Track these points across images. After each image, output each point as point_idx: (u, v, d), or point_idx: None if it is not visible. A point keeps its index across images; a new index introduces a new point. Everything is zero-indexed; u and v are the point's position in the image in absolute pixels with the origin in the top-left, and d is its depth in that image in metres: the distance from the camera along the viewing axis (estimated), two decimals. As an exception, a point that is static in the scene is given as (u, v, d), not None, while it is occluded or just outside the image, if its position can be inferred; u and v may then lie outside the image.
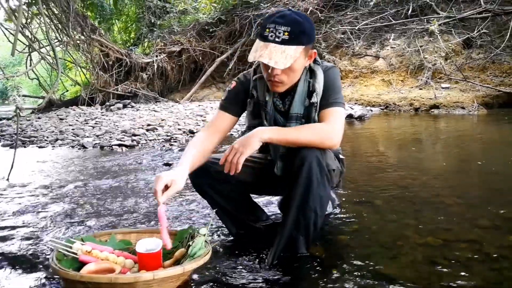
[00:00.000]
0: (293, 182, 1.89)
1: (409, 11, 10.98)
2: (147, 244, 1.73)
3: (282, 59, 1.83)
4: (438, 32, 9.63)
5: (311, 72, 2.06)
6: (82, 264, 1.68)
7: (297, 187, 1.88)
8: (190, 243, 1.79)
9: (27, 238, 2.44)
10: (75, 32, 11.05)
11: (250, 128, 2.13)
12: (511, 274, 1.77)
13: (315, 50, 2.00)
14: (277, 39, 1.85)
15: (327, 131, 1.92)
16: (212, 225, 2.43)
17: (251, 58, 1.88)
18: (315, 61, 2.07)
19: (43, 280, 1.88)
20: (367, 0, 12.33)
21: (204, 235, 1.82)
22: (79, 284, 1.52)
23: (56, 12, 10.36)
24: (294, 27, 1.85)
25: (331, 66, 2.10)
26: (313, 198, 1.88)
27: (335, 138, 1.93)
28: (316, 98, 2.01)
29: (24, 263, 2.10)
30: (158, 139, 6.31)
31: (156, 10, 14.71)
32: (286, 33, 1.85)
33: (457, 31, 10.09)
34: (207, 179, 2.15)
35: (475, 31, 9.50)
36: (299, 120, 2.05)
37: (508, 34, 8.86)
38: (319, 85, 2.02)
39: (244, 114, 2.25)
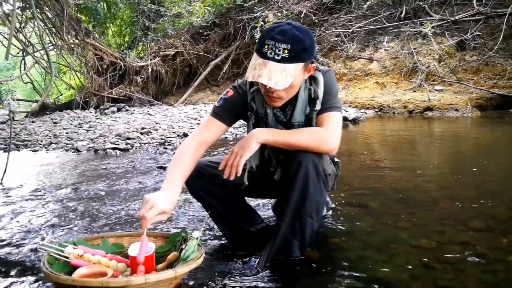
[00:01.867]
0: (289, 186, 1.88)
1: (403, 14, 11.04)
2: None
3: (282, 78, 1.77)
4: (431, 34, 9.70)
5: (311, 78, 2.01)
6: (74, 268, 1.67)
7: (293, 191, 1.87)
8: (183, 246, 1.78)
9: (20, 242, 2.42)
10: (69, 36, 11.03)
11: None
12: (505, 276, 1.77)
13: (314, 65, 1.94)
14: (276, 57, 1.78)
15: (325, 136, 1.90)
16: (205, 228, 2.43)
17: (249, 77, 1.80)
18: (315, 68, 2.01)
19: (35, 285, 1.86)
20: (360, 3, 12.37)
21: (197, 238, 1.81)
22: (70, 288, 1.50)
23: (50, 16, 10.33)
24: (294, 45, 1.78)
25: (327, 70, 2.06)
26: (309, 203, 1.88)
27: (333, 143, 1.91)
28: (318, 106, 1.97)
29: (16, 267, 2.08)
30: (153, 142, 6.30)
31: (150, 13, 14.73)
32: (286, 51, 1.77)
33: (450, 34, 10.14)
34: (202, 183, 2.14)
35: (468, 34, 9.57)
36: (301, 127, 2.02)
37: (501, 36, 8.92)
38: (321, 91, 1.98)
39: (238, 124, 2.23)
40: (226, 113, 2.10)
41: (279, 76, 1.77)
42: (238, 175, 1.82)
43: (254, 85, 2.07)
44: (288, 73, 1.78)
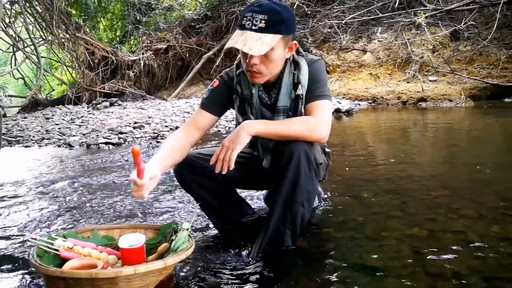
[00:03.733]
0: (281, 176, 1.87)
1: (396, 4, 11.01)
2: (130, 240, 1.71)
3: (257, 46, 1.79)
4: (425, 24, 9.68)
5: (295, 64, 2.02)
6: (64, 260, 1.66)
7: (284, 181, 1.86)
8: (173, 237, 1.78)
9: (11, 237, 2.41)
10: (59, 31, 10.95)
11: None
12: (495, 262, 1.77)
13: (295, 42, 1.96)
14: (253, 27, 1.81)
15: (315, 124, 1.88)
16: (195, 220, 2.42)
17: (227, 45, 1.84)
18: (298, 53, 2.03)
19: (27, 278, 1.85)
20: (353, -7, 12.34)
21: (187, 229, 1.80)
22: (60, 280, 1.49)
23: (40, 10, 10.25)
24: (271, 16, 1.81)
25: (316, 59, 2.06)
26: (300, 192, 1.87)
27: (323, 131, 1.89)
28: (301, 90, 1.97)
29: (7, 261, 2.07)
30: (145, 137, 6.29)
31: (141, 7, 14.63)
32: (262, 21, 1.80)
33: (444, 24, 10.14)
34: (192, 175, 2.12)
35: (462, 23, 9.54)
36: (286, 113, 2.02)
37: (495, 25, 8.91)
38: (304, 77, 1.99)
39: (230, 111, 2.22)
40: (213, 103, 2.11)
41: (254, 43, 1.79)
42: (231, 169, 1.79)
43: (239, 67, 2.07)
44: (264, 42, 1.80)
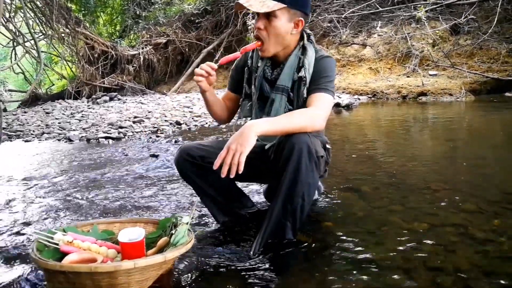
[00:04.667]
0: (282, 168, 1.87)
1: (396, -2, 10.96)
2: (130, 234, 1.70)
3: (258, 4, 1.92)
4: (425, 18, 9.63)
5: (303, 49, 2.09)
6: (64, 254, 1.65)
7: (286, 174, 1.86)
8: (173, 231, 1.77)
9: (11, 231, 2.41)
10: (59, 25, 10.92)
11: (243, 108, 2.25)
12: (496, 256, 1.77)
13: (301, 18, 2.02)
14: None
15: (312, 116, 1.91)
16: (195, 213, 2.42)
17: (236, 1, 1.98)
18: (308, 39, 2.11)
19: (27, 271, 1.85)
20: (353, -12, 12.29)
21: (187, 223, 1.79)
22: (60, 274, 1.49)
23: (40, 5, 10.22)
24: None
25: (328, 55, 2.13)
26: (301, 184, 1.86)
27: (317, 123, 1.91)
28: (304, 73, 2.03)
29: (8, 255, 2.07)
30: (145, 131, 6.28)
31: (141, 1, 14.57)
32: None
33: (444, 18, 10.09)
34: (192, 165, 2.13)
35: (463, 17, 9.51)
36: (287, 93, 2.07)
37: (496, 19, 8.88)
38: (308, 61, 2.04)
39: None
40: (232, 81, 2.34)
41: (256, 2, 1.94)
42: (240, 172, 1.71)
43: None
44: (265, 4, 1.93)
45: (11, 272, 1.87)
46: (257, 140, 2.07)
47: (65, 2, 11.71)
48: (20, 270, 1.89)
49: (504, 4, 9.33)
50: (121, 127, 6.51)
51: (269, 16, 1.97)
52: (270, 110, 2.10)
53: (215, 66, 1.98)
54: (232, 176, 1.72)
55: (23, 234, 2.35)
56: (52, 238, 1.71)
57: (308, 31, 2.15)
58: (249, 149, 1.73)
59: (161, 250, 1.74)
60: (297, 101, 2.06)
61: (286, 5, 1.95)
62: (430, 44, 10.05)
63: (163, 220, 1.91)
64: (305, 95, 2.02)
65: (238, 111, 2.32)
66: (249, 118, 2.19)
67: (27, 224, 2.53)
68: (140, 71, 13.08)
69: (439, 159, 3.74)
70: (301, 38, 2.11)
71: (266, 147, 2.08)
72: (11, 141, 6.18)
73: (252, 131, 1.76)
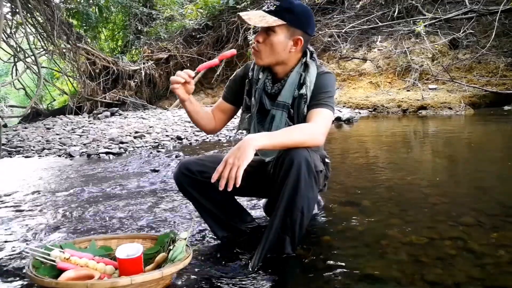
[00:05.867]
0: (281, 183, 1.87)
1: (395, 13, 11.06)
2: (128, 250, 1.70)
3: (257, 19, 1.99)
4: (424, 33, 9.72)
5: (305, 66, 2.11)
6: (61, 271, 1.65)
7: (285, 188, 1.85)
8: (171, 247, 1.77)
9: (8, 247, 2.40)
10: (60, 41, 10.99)
11: (242, 121, 2.26)
12: (494, 270, 1.76)
13: (301, 37, 2.05)
14: (265, 9, 2.03)
15: (311, 131, 1.92)
16: (194, 229, 2.42)
17: (239, 14, 2.05)
18: (311, 57, 2.13)
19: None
20: (353, 2, 12.39)
21: (185, 239, 1.79)
22: (56, 291, 1.49)
23: (41, 21, 10.30)
24: (283, 3, 2.00)
25: (328, 71, 2.15)
26: (300, 199, 1.86)
27: (317, 139, 1.92)
28: (305, 90, 2.04)
29: (4, 273, 2.05)
30: (146, 146, 6.29)
31: (143, 17, 14.68)
32: (274, 6, 2.01)
33: (443, 32, 10.17)
34: (191, 180, 2.13)
35: (461, 32, 9.58)
36: (286, 109, 2.09)
37: (494, 33, 8.94)
38: (310, 79, 2.06)
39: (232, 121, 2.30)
40: (230, 92, 2.34)
41: (255, 16, 2.01)
42: (237, 185, 1.71)
43: None
44: (264, 20, 1.99)
45: (9, 289, 1.86)
46: (256, 155, 2.08)
47: (67, 18, 11.80)
48: (17, 287, 1.88)
49: (502, 19, 9.40)
50: (122, 142, 6.52)
51: (268, 30, 2.02)
52: (270, 127, 2.11)
53: (192, 73, 2.03)
54: (229, 189, 1.72)
55: (20, 250, 2.34)
56: (48, 254, 1.71)
57: (311, 49, 2.17)
58: (247, 163, 1.73)
59: (159, 266, 1.74)
60: (297, 118, 2.07)
61: (285, 23, 2.00)
62: (430, 58, 10.11)
63: (161, 235, 1.91)
64: (305, 113, 2.03)
65: (238, 123, 2.32)
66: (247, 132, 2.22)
67: (25, 240, 2.52)
68: (141, 86, 13.12)
69: (438, 172, 3.74)
70: (304, 55, 2.13)
71: (266, 160, 2.09)
72: (11, 157, 6.18)
73: (251, 145, 1.75)
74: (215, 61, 2.15)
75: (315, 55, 2.16)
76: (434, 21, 10.25)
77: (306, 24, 2.07)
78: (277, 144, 1.85)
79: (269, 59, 2.08)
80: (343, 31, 11.50)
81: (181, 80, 2.03)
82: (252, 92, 2.20)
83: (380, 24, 11.25)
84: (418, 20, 10.35)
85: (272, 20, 1.99)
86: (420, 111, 8.45)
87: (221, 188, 1.72)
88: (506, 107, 8.11)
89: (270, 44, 2.03)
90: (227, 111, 2.34)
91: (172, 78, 2.04)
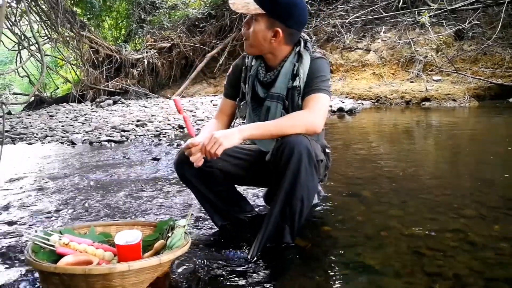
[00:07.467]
0: (282, 172, 1.86)
1: (400, 3, 10.96)
2: (127, 236, 1.70)
3: (240, 5, 1.99)
4: (429, 24, 9.64)
5: (299, 56, 2.07)
6: (60, 256, 1.65)
7: (285, 177, 1.85)
8: (170, 234, 1.77)
9: (11, 233, 2.40)
10: (64, 29, 10.97)
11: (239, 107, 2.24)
12: (495, 262, 1.76)
13: (279, 29, 1.99)
14: None
15: (308, 118, 1.91)
16: (192, 216, 2.41)
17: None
18: (305, 46, 2.08)
19: (23, 274, 1.84)
20: (357, -7, 12.30)
21: (184, 226, 1.79)
22: (54, 276, 1.48)
23: (45, 9, 10.27)
24: None
25: (319, 56, 2.10)
26: (300, 188, 1.85)
27: (316, 125, 1.90)
28: (298, 82, 2.02)
29: (4, 257, 2.06)
30: (148, 134, 6.29)
31: (146, 5, 14.61)
32: None
33: (448, 23, 10.09)
34: (191, 169, 2.12)
35: (467, 23, 9.50)
36: (282, 101, 2.06)
37: (500, 25, 8.87)
38: (303, 70, 2.03)
39: None
40: (230, 87, 2.31)
41: (240, 2, 2.00)
42: (217, 158, 1.85)
43: None
44: (246, 6, 1.98)
45: (7, 274, 1.86)
46: (254, 143, 2.09)
47: (70, 6, 11.76)
48: (17, 271, 1.88)
49: (508, 10, 9.31)
50: (124, 131, 6.52)
51: (252, 18, 2.02)
52: (267, 118, 2.08)
53: (196, 141, 1.91)
54: (199, 164, 1.87)
55: (21, 235, 2.34)
56: (48, 240, 1.71)
57: (306, 37, 2.12)
58: (228, 145, 1.82)
59: (157, 253, 1.73)
60: (292, 110, 2.05)
61: (265, 12, 1.96)
62: (434, 49, 10.05)
63: (160, 222, 1.91)
64: (300, 104, 2.02)
65: (237, 111, 2.30)
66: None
67: (26, 225, 2.52)
68: (144, 75, 13.09)
69: (440, 164, 3.73)
70: (298, 44, 2.10)
71: (267, 158, 2.07)
72: (14, 144, 6.19)
73: (239, 133, 1.84)
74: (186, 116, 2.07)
75: (309, 44, 2.11)
76: (439, 11, 10.15)
77: (286, 17, 1.98)
78: (265, 134, 1.88)
79: (254, 48, 2.08)
80: (346, 21, 11.41)
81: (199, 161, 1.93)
82: (247, 79, 2.19)
83: (384, 14, 11.16)
84: (423, 10, 10.28)
85: (253, 8, 1.96)
86: (423, 103, 8.42)
87: (193, 160, 1.89)
88: (511, 100, 8.07)
89: (252, 31, 2.02)
90: (231, 110, 2.30)
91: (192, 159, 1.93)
